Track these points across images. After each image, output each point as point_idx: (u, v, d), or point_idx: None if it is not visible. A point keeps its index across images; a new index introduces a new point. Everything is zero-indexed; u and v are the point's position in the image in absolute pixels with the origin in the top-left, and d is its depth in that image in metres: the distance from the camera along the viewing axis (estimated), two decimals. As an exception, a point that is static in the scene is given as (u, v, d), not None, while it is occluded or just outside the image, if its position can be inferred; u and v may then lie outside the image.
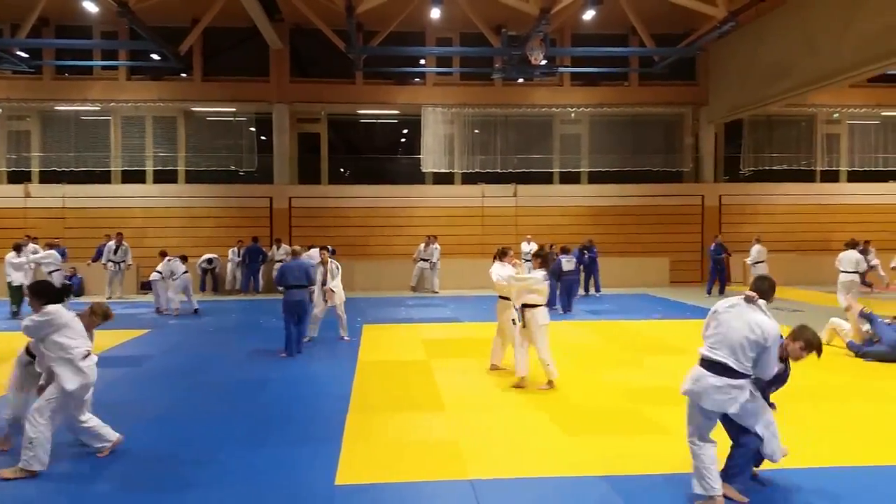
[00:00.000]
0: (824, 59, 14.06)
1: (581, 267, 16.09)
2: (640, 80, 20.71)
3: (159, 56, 18.12)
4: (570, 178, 21.03)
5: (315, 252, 12.09)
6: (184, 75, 19.88)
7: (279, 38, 19.04)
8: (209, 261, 17.93)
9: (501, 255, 8.63)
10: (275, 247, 18.36)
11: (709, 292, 17.41)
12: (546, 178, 20.98)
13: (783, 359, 4.54)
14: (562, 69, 19.81)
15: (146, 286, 18.53)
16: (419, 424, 6.20)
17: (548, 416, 6.40)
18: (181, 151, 20.12)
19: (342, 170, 21.80)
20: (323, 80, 20.40)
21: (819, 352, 4.52)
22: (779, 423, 6.05)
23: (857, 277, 12.46)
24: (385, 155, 22.02)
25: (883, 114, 21.12)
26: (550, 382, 7.48)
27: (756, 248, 16.97)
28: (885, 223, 20.00)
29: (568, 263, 13.96)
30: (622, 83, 20.99)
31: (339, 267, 10.64)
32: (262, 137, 20.45)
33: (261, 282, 18.11)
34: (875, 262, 15.04)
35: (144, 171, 20.01)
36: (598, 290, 17.26)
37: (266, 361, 9.09)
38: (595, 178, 20.93)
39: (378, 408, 6.74)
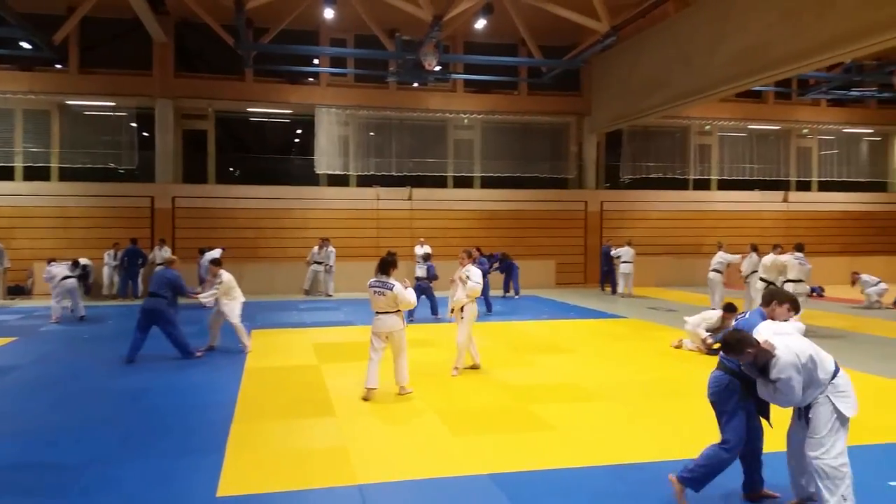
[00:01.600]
0: (697, 74, 15.08)
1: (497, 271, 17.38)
2: (528, 90, 21.40)
3: (31, 45, 16.82)
4: (463, 182, 21.41)
5: (215, 253, 11.75)
6: (59, 66, 18.58)
7: (163, 31, 18.19)
8: (77, 264, 16.52)
9: (469, 256, 8.83)
10: (157, 248, 17.51)
11: (604, 289, 19.37)
12: (440, 182, 21.25)
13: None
14: (455, 76, 20.14)
15: (14, 291, 17.20)
16: (307, 431, 6.13)
17: (437, 416, 6.50)
18: (55, 147, 18.78)
19: (231, 169, 21.11)
20: (210, 75, 19.68)
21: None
22: (645, 418, 6.46)
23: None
24: (277, 155, 21.53)
25: (749, 127, 22.91)
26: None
27: (625, 250, 18.29)
28: (750, 228, 21.67)
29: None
30: (512, 92, 21.60)
31: (231, 278, 9.95)
32: (144, 134, 19.42)
33: (140, 286, 17.15)
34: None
35: (13, 167, 18.53)
36: (517, 292, 17.92)
37: (145, 370, 8.66)
38: (487, 182, 21.41)
39: (264, 415, 6.59)
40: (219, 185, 19.77)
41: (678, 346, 10.30)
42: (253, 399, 7.21)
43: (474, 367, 8.69)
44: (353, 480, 4.87)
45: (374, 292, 7.23)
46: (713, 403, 4.52)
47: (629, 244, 18.51)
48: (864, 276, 15.76)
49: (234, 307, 9.78)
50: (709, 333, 9.82)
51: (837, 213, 23.16)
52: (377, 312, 7.28)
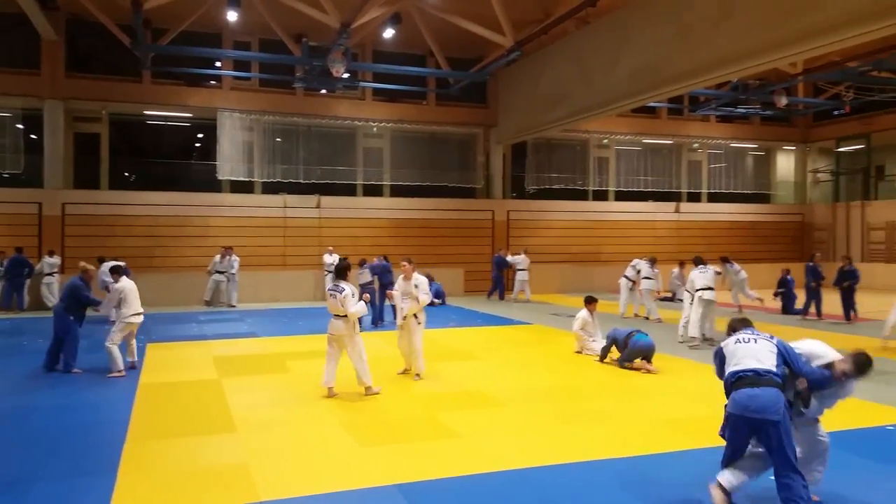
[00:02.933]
0: (596, 90, 15.73)
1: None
2: (437, 100, 21.65)
3: None
4: (373, 190, 21.35)
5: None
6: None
7: (53, 28, 17.16)
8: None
9: (410, 263, 9.05)
10: (45, 257, 16.45)
11: (490, 296, 19.81)
12: (350, 190, 21.10)
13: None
14: (364, 84, 20.09)
15: None
16: (206, 448, 5.93)
17: (343, 429, 6.45)
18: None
19: (126, 174, 20.15)
20: (105, 76, 18.73)
21: None
22: (550, 422, 6.65)
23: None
24: (177, 160, 20.71)
25: (644, 141, 24.10)
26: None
27: (521, 258, 19.03)
28: (645, 237, 22.76)
29: (363, 276, 14.04)
30: (421, 102, 21.78)
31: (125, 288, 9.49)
32: (32, 136, 18.24)
33: (26, 298, 16.05)
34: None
35: None
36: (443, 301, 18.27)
37: (32, 388, 8.12)
38: (397, 191, 21.45)
39: (160, 434, 6.32)
40: (113, 191, 18.79)
41: (580, 352, 10.68)
42: (148, 417, 6.90)
43: (406, 372, 8.91)
44: (255, 498, 4.76)
45: (330, 295, 7.79)
46: (776, 424, 4.17)
47: (525, 252, 19.24)
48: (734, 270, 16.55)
49: (118, 324, 9.00)
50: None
51: (725, 223, 24.70)
52: (332, 315, 7.80)
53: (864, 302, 15.65)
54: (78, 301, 9.02)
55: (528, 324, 14.41)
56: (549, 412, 7.15)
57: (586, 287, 19.85)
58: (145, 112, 19.70)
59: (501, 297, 19.63)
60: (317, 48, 17.08)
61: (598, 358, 10.05)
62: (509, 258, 19.50)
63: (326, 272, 18.96)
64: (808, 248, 25.21)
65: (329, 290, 7.86)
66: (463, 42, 19.10)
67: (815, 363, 4.51)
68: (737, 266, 16.35)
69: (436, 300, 16.53)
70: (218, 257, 17.67)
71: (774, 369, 4.35)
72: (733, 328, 4.83)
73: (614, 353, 9.85)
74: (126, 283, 9.14)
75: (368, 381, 7.78)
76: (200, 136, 20.86)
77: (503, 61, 17.56)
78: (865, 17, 9.45)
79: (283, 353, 10.59)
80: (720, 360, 4.67)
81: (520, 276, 19.05)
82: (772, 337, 4.58)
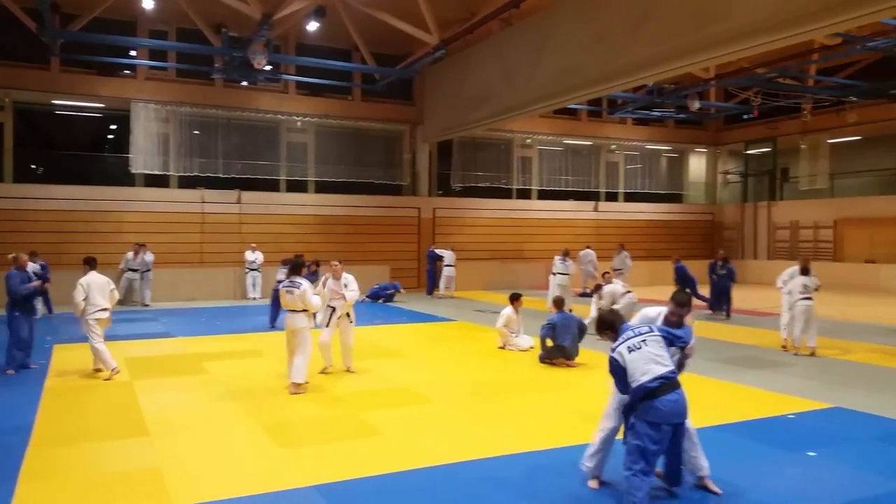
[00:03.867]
0: (518, 91, 15.96)
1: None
2: (363, 96, 21.47)
3: None
4: (297, 186, 20.96)
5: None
6: None
7: (-55, 7, 15.99)
8: None
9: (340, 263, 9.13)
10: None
11: (429, 293, 19.91)
12: (272, 186, 20.63)
13: None
14: (286, 77, 19.70)
15: None
16: (116, 453, 5.67)
17: (262, 429, 6.31)
18: None
19: (33, 167, 19.04)
20: (8, 62, 17.60)
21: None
22: (473, 417, 6.73)
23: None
24: (88, 152, 19.68)
25: (565, 142, 24.67)
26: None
27: (448, 253, 19.58)
28: (566, 235, 23.25)
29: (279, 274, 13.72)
30: (346, 97, 21.54)
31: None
32: (-78, 124, 16.98)
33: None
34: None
35: None
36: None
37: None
38: (322, 187, 21.15)
39: (66, 439, 6.01)
40: (18, 184, 17.68)
41: (503, 347, 10.83)
42: (53, 421, 6.55)
43: (326, 371, 8.76)
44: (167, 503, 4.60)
45: (286, 291, 7.84)
46: (684, 421, 4.60)
47: (451, 249, 19.60)
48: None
49: (86, 323, 8.58)
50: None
51: (641, 221, 25.61)
52: (288, 311, 7.88)
53: (771, 298, 16.55)
54: (8, 292, 8.55)
55: (453, 321, 14.51)
56: (473, 408, 7.23)
57: (511, 284, 20.18)
58: (54, 101, 18.64)
59: (430, 293, 19.82)
60: (237, 39, 16.60)
61: (528, 350, 10.21)
62: (438, 251, 19.72)
63: (248, 270, 18.51)
64: (718, 246, 26.45)
65: (285, 286, 7.89)
66: (389, 38, 19.00)
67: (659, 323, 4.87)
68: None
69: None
70: (130, 254, 16.93)
71: (672, 365, 4.54)
72: (611, 323, 4.78)
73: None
74: (91, 277, 8.57)
75: (302, 379, 7.74)
76: (113, 127, 19.93)
77: (429, 59, 17.58)
78: (771, 27, 9.96)
79: (199, 353, 10.27)
80: (620, 373, 4.55)
81: (446, 271, 19.36)
82: (650, 328, 4.66)
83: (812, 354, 10.13)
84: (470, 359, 10.17)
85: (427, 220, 22.09)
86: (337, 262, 8.92)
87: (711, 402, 7.25)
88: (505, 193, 23.82)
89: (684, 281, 14.61)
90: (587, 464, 5.01)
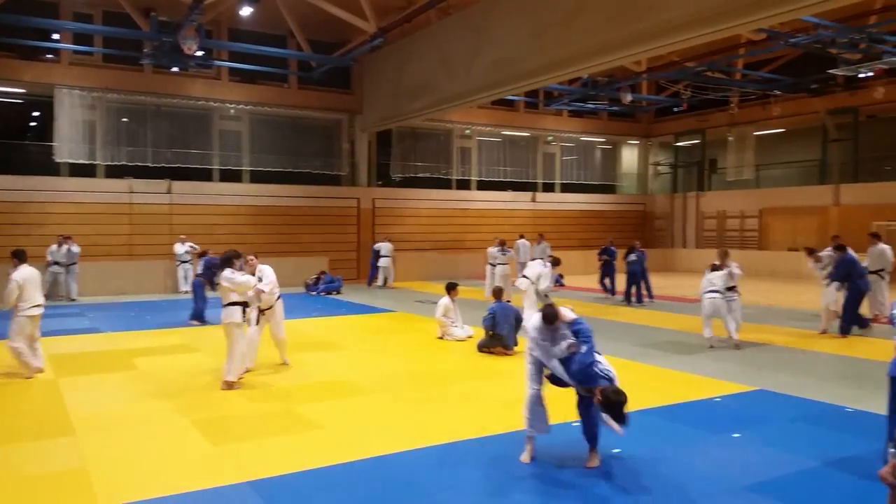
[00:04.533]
0: (457, 81, 16.00)
1: None
2: (299, 84, 21.10)
3: None
4: (231, 176, 20.45)
5: None
6: None
7: None
8: None
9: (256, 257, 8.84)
10: None
11: (369, 284, 20.03)
12: (205, 175, 20.07)
13: None
14: (219, 63, 19.15)
15: None
16: (38, 454, 5.43)
17: (195, 427, 6.15)
18: None
19: (-54, 155, 17.96)
20: (-86, 43, 16.54)
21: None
22: (412, 407, 6.73)
23: None
24: (8, 140, 18.63)
25: (503, 133, 24.88)
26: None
27: (384, 245, 19.61)
28: (505, 225, 23.51)
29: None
30: (282, 84, 21.12)
31: None
32: None
33: None
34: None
35: None
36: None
37: None
38: (257, 177, 20.70)
39: (-16, 442, 5.73)
40: (-73, 173, 16.69)
41: (441, 337, 10.88)
42: (-31, 424, 6.22)
43: (247, 371, 8.38)
44: (94, 505, 4.44)
45: (223, 283, 7.65)
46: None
47: (388, 240, 19.68)
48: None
49: (16, 320, 8.04)
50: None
51: (577, 211, 26.12)
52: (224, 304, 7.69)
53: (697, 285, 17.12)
54: None
55: (392, 311, 14.48)
56: (411, 398, 7.24)
57: (450, 274, 20.23)
58: (-32, 86, 17.65)
59: (369, 284, 19.83)
60: (167, 23, 16.05)
61: (466, 340, 10.28)
62: (375, 246, 19.68)
63: (179, 262, 17.98)
64: (650, 235, 27.28)
65: (225, 278, 7.59)
66: (326, 25, 18.70)
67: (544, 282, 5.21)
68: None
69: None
70: (54, 246, 16.19)
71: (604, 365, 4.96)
72: (547, 319, 5.02)
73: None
74: (25, 271, 8.02)
75: (233, 377, 7.56)
76: (36, 114, 18.98)
77: (367, 47, 17.40)
78: (699, 21, 10.30)
79: (129, 349, 9.94)
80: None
81: (382, 262, 19.29)
82: (574, 329, 4.99)
83: (737, 347, 9.86)
84: (408, 349, 10.17)
85: (366, 211, 21.93)
86: (252, 257, 8.64)
87: (641, 386, 7.47)
88: (445, 184, 23.87)
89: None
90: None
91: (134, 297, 17.07)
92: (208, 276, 11.99)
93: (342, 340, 10.90)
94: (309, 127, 21.74)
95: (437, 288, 18.71)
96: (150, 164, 19.02)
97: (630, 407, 4.65)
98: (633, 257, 15.26)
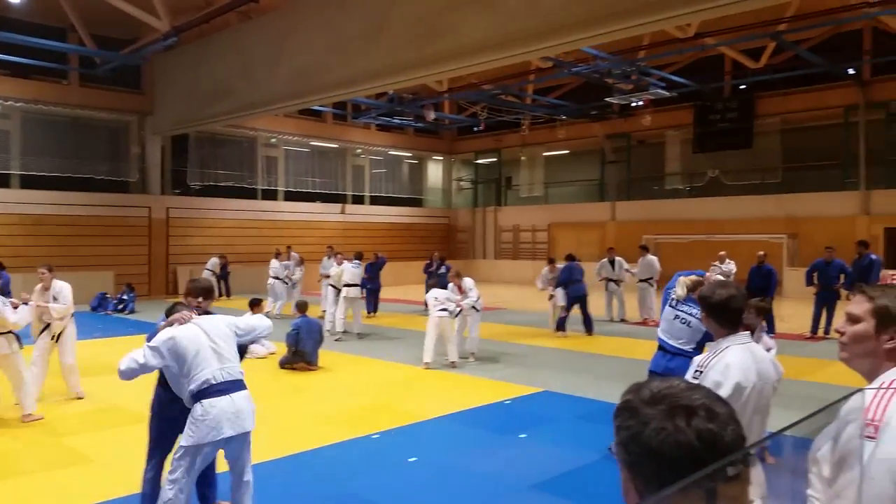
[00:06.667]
0: (259, 87, 15.49)
1: None
2: (81, 81, 19.20)
3: None
4: (-4, 180, 18.04)
5: None
6: None
7: None
8: None
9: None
10: None
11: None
12: (-39, 179, 17.50)
13: None
14: (-18, 53, 16.84)
15: None
16: None
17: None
18: None
19: None
20: None
21: None
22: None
23: None
24: None
25: (312, 143, 24.58)
26: None
27: (213, 261, 18.87)
28: (314, 237, 23.19)
29: None
30: (62, 81, 19.09)
31: None
32: None
33: None
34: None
35: None
36: None
37: None
38: (30, 182, 18.44)
39: None
40: None
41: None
42: None
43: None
44: None
45: None
46: None
47: (221, 256, 19.28)
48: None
49: None
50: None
51: (386, 224, 26.50)
52: None
53: (499, 294, 18.14)
54: None
55: (188, 328, 13.58)
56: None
57: (255, 288, 19.54)
58: None
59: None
60: None
61: (266, 357, 9.95)
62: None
63: None
64: (454, 247, 28.44)
65: None
66: (113, 20, 17.15)
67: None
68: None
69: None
70: None
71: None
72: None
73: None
74: None
75: (28, 409, 6.75)
76: None
77: (159, 46, 16.24)
78: (491, 47, 10.96)
79: None
80: None
81: (205, 272, 17.98)
82: None
83: (453, 364, 9.39)
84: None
85: (159, 221, 20.44)
86: (45, 270, 7.60)
87: (438, 393, 7.73)
88: (249, 193, 23.00)
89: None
90: None
91: None
92: None
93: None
94: (93, 128, 19.84)
95: (239, 303, 17.94)
96: None
97: (431, 414, 4.78)
98: (441, 271, 15.96)
